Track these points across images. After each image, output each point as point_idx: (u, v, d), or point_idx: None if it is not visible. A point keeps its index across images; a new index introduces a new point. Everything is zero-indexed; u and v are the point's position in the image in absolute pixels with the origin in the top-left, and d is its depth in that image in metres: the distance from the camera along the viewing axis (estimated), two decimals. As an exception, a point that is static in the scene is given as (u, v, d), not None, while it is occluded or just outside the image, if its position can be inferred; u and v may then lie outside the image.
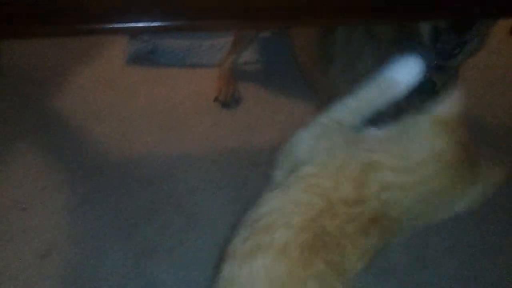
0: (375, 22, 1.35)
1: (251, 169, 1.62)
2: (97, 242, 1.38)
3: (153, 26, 1.11)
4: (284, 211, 0.88)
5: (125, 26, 1.11)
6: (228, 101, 1.94)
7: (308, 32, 1.80)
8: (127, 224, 1.42)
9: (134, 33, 2.08)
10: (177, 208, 1.47)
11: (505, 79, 2.16)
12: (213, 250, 1.34)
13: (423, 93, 1.43)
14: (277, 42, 2.26)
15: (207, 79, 2.08)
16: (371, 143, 0.93)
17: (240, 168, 1.62)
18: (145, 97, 1.98)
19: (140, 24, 1.11)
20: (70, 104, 1.89)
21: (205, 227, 1.41)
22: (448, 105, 0.96)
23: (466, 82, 2.03)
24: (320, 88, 1.82)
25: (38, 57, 2.07)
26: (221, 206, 1.48)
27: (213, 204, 1.49)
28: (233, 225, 1.38)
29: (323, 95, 1.77)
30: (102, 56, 2.22)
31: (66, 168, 1.62)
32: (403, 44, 1.46)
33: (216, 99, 1.96)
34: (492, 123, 1.87)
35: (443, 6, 1.07)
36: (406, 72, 1.00)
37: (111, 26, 1.12)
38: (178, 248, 1.35)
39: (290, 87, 2.01)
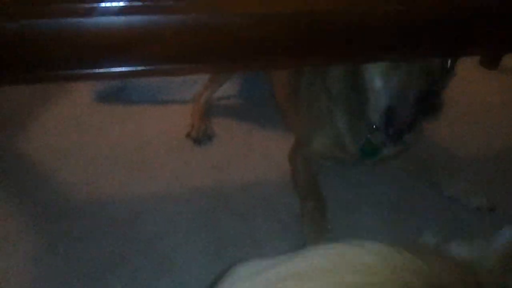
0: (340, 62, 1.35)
1: (223, 209, 1.56)
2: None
3: (122, 72, 1.08)
4: None
5: (93, 72, 1.08)
6: (201, 138, 1.91)
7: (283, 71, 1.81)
8: (94, 272, 1.34)
9: (102, 79, 2.04)
10: (146, 253, 1.40)
11: (476, 109, 2.18)
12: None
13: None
14: (254, 77, 2.25)
15: (178, 115, 2.05)
16: None
17: (212, 209, 1.57)
18: (113, 135, 1.93)
19: (109, 70, 1.07)
20: (34, 145, 1.83)
21: (177, 272, 1.34)
22: None
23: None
24: (292, 124, 1.81)
25: (0, 96, 2.01)
26: (194, 249, 1.41)
27: (185, 247, 1.42)
28: (206, 269, 1.34)
29: (295, 131, 1.76)
30: (69, 94, 2.18)
31: (30, 213, 1.54)
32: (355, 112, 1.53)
33: (188, 135, 1.92)
34: (465, 155, 1.87)
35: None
36: None
37: (77, 72, 1.08)
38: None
39: (265, 124, 2.00)
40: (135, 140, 1.90)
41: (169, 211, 1.56)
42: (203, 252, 1.41)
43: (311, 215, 1.47)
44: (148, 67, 1.07)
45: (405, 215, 1.55)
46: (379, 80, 1.41)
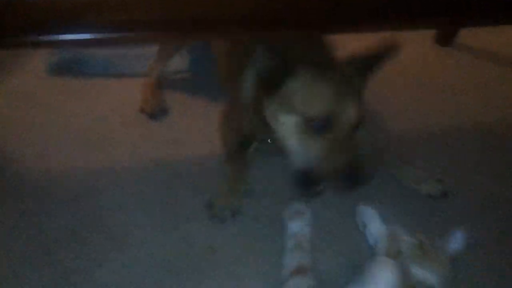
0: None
1: (180, 183, 1.56)
2: (14, 267, 1.28)
3: (78, 40, 1.06)
4: None
5: (49, 39, 1.06)
6: (155, 112, 1.89)
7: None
8: (46, 247, 1.33)
9: (58, 46, 1.99)
10: (100, 228, 1.39)
11: (433, 87, 2.21)
12: (137, 268, 1.28)
13: None
14: (209, 49, 2.24)
15: (133, 89, 2.02)
16: None
17: (168, 183, 1.56)
18: (67, 109, 1.90)
19: (65, 37, 1.05)
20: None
21: (129, 246, 1.34)
22: None
23: (395, 93, 2.08)
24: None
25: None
26: (148, 223, 1.41)
27: (139, 222, 1.42)
28: (160, 243, 1.34)
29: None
30: (20, 68, 2.12)
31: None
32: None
33: (142, 111, 1.90)
34: (421, 132, 1.90)
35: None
36: None
37: (30, 39, 1.06)
38: (99, 269, 1.27)
39: (220, 96, 1.98)
40: (89, 115, 1.88)
41: (124, 186, 1.55)
42: (158, 226, 1.41)
43: (228, 182, 1.50)
44: (101, 35, 1.05)
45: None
46: (299, 144, 1.36)
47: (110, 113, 1.89)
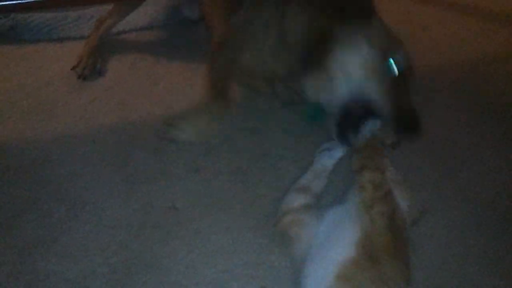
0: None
1: (133, 145, 1.55)
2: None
3: (12, 4, 1.02)
4: None
5: None
6: (86, 73, 1.84)
7: None
8: (4, 219, 1.31)
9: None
10: (57, 196, 1.37)
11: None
12: (100, 234, 1.28)
13: None
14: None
15: (77, 53, 1.95)
16: None
17: (121, 146, 1.55)
18: (8, 78, 1.82)
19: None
20: None
21: (90, 212, 1.33)
22: None
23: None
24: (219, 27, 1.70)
25: None
26: (105, 188, 1.40)
27: (96, 187, 1.41)
28: (119, 207, 1.34)
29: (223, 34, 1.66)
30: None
31: None
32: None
33: (73, 69, 1.85)
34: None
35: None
36: None
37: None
38: (61, 238, 1.27)
39: (170, 57, 1.96)
40: (32, 82, 1.81)
41: (76, 152, 1.52)
42: (115, 190, 1.40)
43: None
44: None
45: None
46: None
47: (55, 78, 1.83)
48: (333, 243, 1.06)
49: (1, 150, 1.53)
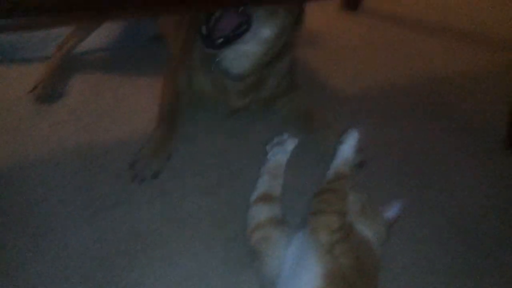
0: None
1: (97, 168, 1.52)
2: None
3: None
4: None
5: None
6: (45, 95, 1.81)
7: None
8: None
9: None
10: (18, 224, 1.33)
11: (340, 51, 2.29)
12: (64, 263, 1.24)
13: None
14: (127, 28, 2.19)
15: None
16: None
17: (86, 169, 1.52)
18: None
19: None
20: None
21: (53, 241, 1.29)
22: None
23: (305, 58, 2.12)
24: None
25: None
26: (69, 213, 1.37)
27: (59, 213, 1.37)
28: (85, 230, 1.31)
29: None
30: None
31: None
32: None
33: (32, 90, 1.82)
34: (332, 92, 1.97)
35: None
36: None
37: None
38: (24, 269, 1.22)
39: (134, 77, 1.95)
40: (-6, 104, 1.77)
41: (39, 178, 1.49)
42: (79, 216, 1.37)
43: (156, 140, 1.55)
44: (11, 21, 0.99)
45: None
46: None
47: (17, 101, 1.80)
48: (301, 272, 1.05)
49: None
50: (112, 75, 1.96)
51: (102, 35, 2.17)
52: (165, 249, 1.29)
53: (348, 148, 1.21)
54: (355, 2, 2.65)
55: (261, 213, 1.21)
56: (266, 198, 1.25)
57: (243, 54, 1.57)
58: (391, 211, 1.19)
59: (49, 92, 1.81)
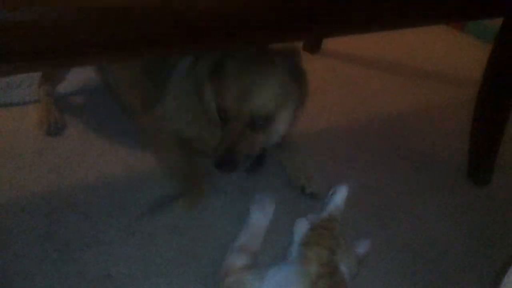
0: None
1: (64, 211, 1.50)
2: None
3: None
4: None
5: None
6: (53, 129, 1.86)
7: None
8: None
9: None
10: (-18, 270, 1.30)
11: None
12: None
13: None
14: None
15: (11, 119, 1.92)
16: None
17: (52, 213, 1.49)
18: None
19: None
20: None
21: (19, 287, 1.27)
22: None
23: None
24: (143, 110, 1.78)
25: None
26: (36, 258, 1.34)
27: (26, 257, 1.34)
28: (50, 277, 1.28)
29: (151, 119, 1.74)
30: None
31: None
32: None
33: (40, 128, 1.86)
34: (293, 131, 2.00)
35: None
36: None
37: None
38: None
39: (106, 119, 1.95)
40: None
41: (4, 223, 1.45)
42: (47, 260, 1.34)
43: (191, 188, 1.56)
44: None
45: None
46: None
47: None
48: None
49: None
50: (79, 119, 1.96)
51: (70, 81, 2.17)
52: (134, 290, 1.27)
53: (339, 198, 1.31)
54: (317, 45, 2.73)
55: (237, 260, 1.24)
56: (245, 249, 1.29)
57: None
58: (362, 247, 1.25)
59: (57, 126, 1.86)
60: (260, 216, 1.40)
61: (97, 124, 1.92)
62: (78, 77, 2.21)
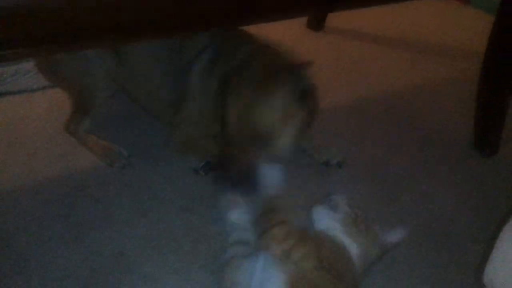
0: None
1: (77, 194, 1.54)
2: None
3: None
4: None
5: None
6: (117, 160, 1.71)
7: None
8: None
9: None
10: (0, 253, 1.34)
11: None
12: (48, 288, 1.25)
13: None
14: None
15: (19, 106, 1.95)
16: None
17: (66, 197, 1.53)
18: None
19: None
20: None
21: (35, 267, 1.30)
22: None
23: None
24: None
25: None
26: (51, 239, 1.38)
27: (41, 239, 1.38)
28: (65, 258, 1.32)
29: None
30: None
31: None
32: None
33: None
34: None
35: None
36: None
37: None
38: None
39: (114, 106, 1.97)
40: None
41: (20, 207, 1.50)
42: (61, 241, 1.38)
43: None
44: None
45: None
46: None
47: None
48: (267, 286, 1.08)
49: None
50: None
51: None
52: (147, 267, 1.31)
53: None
54: (320, 22, 2.73)
55: (236, 252, 1.24)
56: (242, 242, 1.28)
57: None
58: (393, 236, 1.23)
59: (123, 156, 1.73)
60: (238, 213, 1.37)
61: (106, 110, 1.94)
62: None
